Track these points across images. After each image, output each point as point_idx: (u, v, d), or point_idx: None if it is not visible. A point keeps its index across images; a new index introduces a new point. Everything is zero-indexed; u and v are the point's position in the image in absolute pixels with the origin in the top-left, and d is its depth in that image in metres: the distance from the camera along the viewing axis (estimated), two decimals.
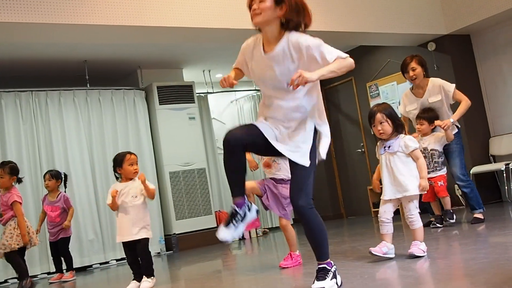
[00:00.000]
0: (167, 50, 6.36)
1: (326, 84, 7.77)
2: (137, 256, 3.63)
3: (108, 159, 6.20)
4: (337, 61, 2.32)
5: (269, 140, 2.42)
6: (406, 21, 5.95)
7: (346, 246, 4.31)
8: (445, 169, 4.46)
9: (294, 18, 2.39)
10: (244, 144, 2.41)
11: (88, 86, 6.29)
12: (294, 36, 2.39)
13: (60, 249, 5.07)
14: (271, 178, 3.67)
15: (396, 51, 6.81)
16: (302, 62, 2.38)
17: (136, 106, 6.56)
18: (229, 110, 8.40)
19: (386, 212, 3.14)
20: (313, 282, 2.42)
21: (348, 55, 2.38)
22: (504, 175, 5.85)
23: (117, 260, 6.08)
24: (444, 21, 6.22)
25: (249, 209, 2.52)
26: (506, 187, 5.92)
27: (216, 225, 6.89)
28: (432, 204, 4.55)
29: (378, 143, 3.27)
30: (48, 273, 5.55)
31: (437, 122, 4.30)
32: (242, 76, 2.74)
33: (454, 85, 4.47)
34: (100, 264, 5.99)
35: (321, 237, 2.47)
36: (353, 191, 7.70)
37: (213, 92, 7.66)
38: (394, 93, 6.90)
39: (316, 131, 2.53)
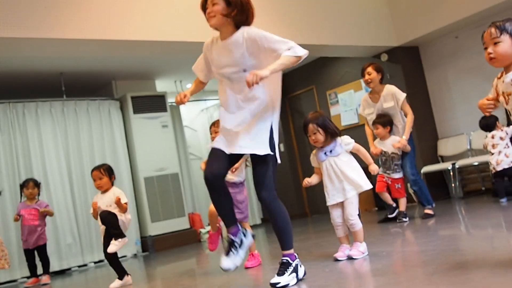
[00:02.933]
0: (141, 62, 6.32)
1: (290, 92, 7.87)
2: (115, 255, 3.64)
3: (84, 167, 6.11)
4: (286, 56, 2.37)
5: (228, 153, 2.45)
6: (361, 34, 6.10)
7: (311, 243, 4.37)
8: (402, 171, 4.58)
9: (243, 18, 2.46)
10: (222, 174, 2.46)
11: (65, 97, 6.18)
12: (250, 29, 2.46)
13: (40, 256, 4.94)
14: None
15: (352, 62, 6.96)
16: (258, 53, 2.43)
17: (111, 116, 6.49)
18: (200, 118, 8.39)
19: (337, 216, 3.07)
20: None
21: (297, 45, 2.43)
22: (451, 173, 6.04)
23: (95, 262, 5.99)
24: (395, 34, 6.39)
25: (244, 235, 2.53)
26: (453, 185, 6.11)
27: (189, 227, 6.88)
28: (382, 195, 4.65)
29: (314, 151, 3.16)
30: (28, 277, 5.40)
31: (395, 145, 4.42)
32: (202, 87, 2.79)
33: (404, 95, 4.56)
34: (79, 267, 5.88)
35: (284, 226, 2.49)
36: (317, 191, 7.75)
37: None
38: (352, 100, 7.05)
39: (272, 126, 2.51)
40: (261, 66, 2.40)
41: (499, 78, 2.05)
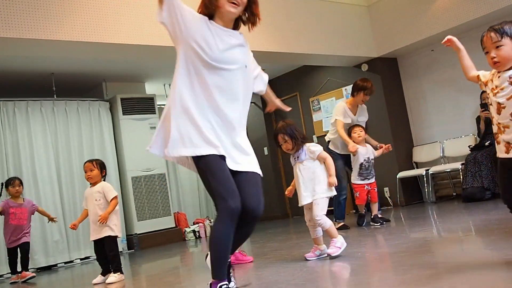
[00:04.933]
0: (131, 65, 6.29)
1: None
2: (104, 253, 3.62)
3: (73, 166, 6.04)
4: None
5: (235, 170, 2.10)
6: (343, 44, 6.16)
7: (291, 243, 4.39)
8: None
9: (246, 21, 2.28)
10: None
11: (55, 97, 6.11)
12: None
13: (22, 253, 4.72)
14: None
15: (335, 71, 7.03)
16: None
17: (101, 116, 6.43)
18: None
19: (308, 219, 3.11)
20: None
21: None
22: (425, 179, 6.13)
23: (81, 259, 5.92)
24: (375, 46, 6.48)
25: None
26: (426, 190, 6.20)
27: (175, 225, 6.84)
28: (360, 207, 4.70)
29: (290, 157, 3.24)
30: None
31: (389, 147, 4.62)
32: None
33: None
34: (65, 263, 5.80)
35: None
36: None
37: None
38: (333, 107, 7.09)
39: None
40: None
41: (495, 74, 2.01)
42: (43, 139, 5.89)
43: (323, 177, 3.09)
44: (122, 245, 6.24)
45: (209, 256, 2.09)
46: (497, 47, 1.93)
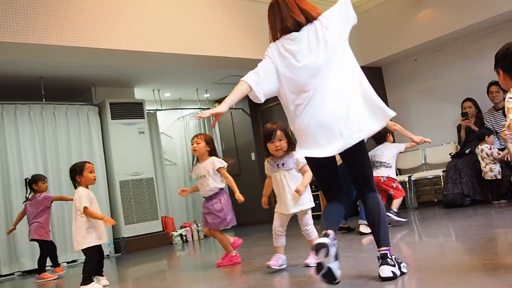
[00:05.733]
0: (120, 70, 6.25)
1: (262, 105, 7.92)
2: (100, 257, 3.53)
3: (61, 169, 5.97)
4: None
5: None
6: None
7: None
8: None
9: None
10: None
11: (44, 101, 6.04)
12: None
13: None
14: (204, 199, 3.64)
15: None
16: None
17: (90, 121, 6.38)
18: (176, 126, 8.35)
19: (281, 225, 3.02)
20: None
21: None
22: (408, 185, 6.20)
23: (68, 262, 5.83)
24: (361, 55, 6.55)
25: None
26: (409, 196, 6.27)
27: (162, 229, 6.80)
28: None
29: (268, 160, 3.07)
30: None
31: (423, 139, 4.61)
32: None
33: None
34: (51, 266, 5.71)
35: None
36: None
37: (162, 109, 7.60)
38: None
39: None
40: None
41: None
42: (31, 143, 5.82)
43: (308, 188, 3.02)
44: (109, 249, 6.17)
45: None
46: None
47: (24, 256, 5.41)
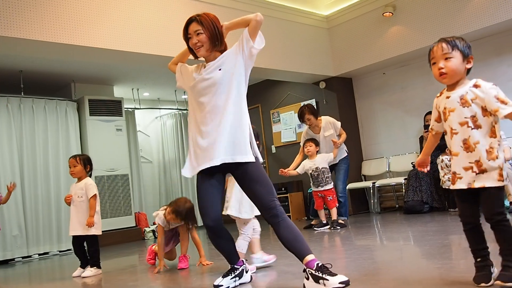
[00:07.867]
0: (100, 67, 6.12)
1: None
2: (83, 247, 3.59)
3: (37, 162, 5.80)
4: None
5: None
6: (304, 63, 6.26)
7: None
8: (332, 183, 4.74)
9: (222, 41, 2.45)
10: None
11: (22, 94, 5.85)
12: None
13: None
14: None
15: (295, 86, 7.13)
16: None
17: (68, 116, 6.22)
18: (153, 125, 8.23)
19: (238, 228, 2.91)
20: None
21: None
22: (371, 191, 6.30)
23: (39, 254, 5.66)
24: (333, 66, 6.63)
25: (246, 271, 2.43)
26: (372, 201, 6.37)
27: (135, 225, 6.68)
28: (320, 213, 4.80)
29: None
30: None
31: (333, 140, 4.79)
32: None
33: (340, 122, 5.03)
34: (23, 258, 5.53)
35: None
36: None
37: (140, 108, 7.48)
38: (292, 120, 7.20)
39: None
40: None
41: (439, 96, 1.87)
42: (7, 135, 5.62)
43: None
44: None
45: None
46: (446, 58, 1.76)
47: None
